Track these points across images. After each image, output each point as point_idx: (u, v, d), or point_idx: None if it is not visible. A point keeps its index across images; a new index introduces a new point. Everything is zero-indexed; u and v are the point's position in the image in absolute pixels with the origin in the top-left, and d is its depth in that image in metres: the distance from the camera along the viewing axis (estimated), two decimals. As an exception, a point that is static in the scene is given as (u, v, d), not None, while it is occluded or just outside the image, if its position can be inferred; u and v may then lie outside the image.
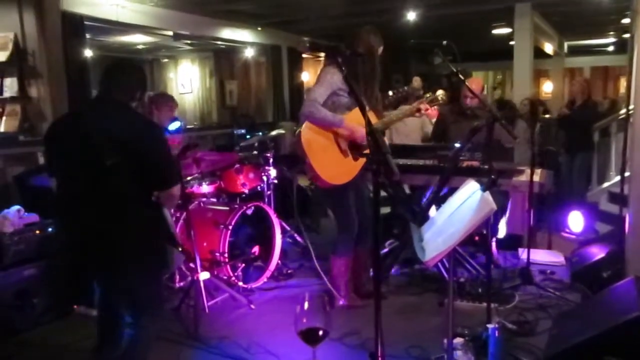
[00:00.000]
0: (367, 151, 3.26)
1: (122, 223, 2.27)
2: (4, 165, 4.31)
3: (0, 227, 3.41)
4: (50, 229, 3.57)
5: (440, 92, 3.59)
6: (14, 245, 3.39)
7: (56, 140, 2.35)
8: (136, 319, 2.37)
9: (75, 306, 3.59)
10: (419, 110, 3.54)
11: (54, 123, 2.46)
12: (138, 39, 8.37)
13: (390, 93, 3.72)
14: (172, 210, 3.34)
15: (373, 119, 3.23)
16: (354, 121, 3.22)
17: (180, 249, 2.62)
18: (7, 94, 5.11)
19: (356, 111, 3.23)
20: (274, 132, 5.14)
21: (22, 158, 4.43)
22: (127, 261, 2.30)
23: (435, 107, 4.20)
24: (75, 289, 3.53)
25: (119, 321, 2.44)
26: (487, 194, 2.12)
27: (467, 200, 2.21)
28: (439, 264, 3.73)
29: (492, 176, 2.27)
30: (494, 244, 4.22)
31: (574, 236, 4.82)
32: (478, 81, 4.35)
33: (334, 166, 3.26)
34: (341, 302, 3.53)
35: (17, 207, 3.59)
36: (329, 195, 3.49)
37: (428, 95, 3.65)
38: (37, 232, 3.53)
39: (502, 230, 4.33)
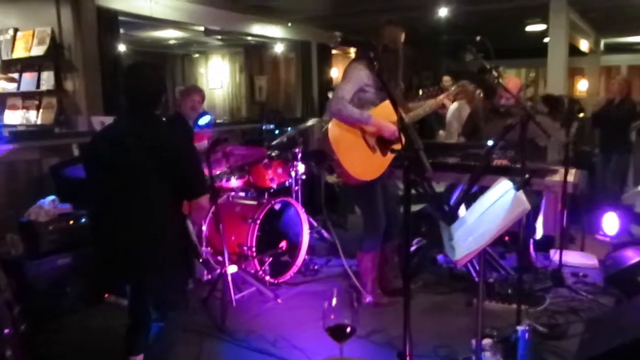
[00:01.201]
0: (396, 147, 3.26)
1: (153, 234, 2.32)
2: (40, 157, 4.42)
3: (36, 216, 3.50)
4: (83, 220, 3.65)
5: (464, 82, 3.54)
6: (48, 235, 3.48)
7: (96, 161, 2.38)
8: (162, 314, 2.43)
9: (106, 295, 3.66)
10: (443, 105, 3.51)
11: (92, 142, 2.48)
12: (170, 34, 8.47)
13: (421, 92, 3.68)
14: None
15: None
16: (381, 116, 3.20)
17: (200, 260, 2.64)
18: (44, 87, 5.24)
19: (382, 106, 3.22)
20: (304, 125, 5.14)
21: (58, 149, 4.54)
22: (155, 272, 2.35)
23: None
24: (106, 279, 3.60)
25: (148, 313, 2.48)
26: (521, 193, 2.08)
27: (500, 200, 2.17)
28: (468, 264, 3.68)
29: (526, 175, 2.22)
30: (531, 245, 4.12)
31: (608, 239, 4.70)
32: (515, 81, 4.24)
33: (362, 163, 3.24)
34: (368, 299, 3.52)
35: (52, 197, 3.68)
36: (357, 192, 3.48)
37: (453, 88, 3.61)
38: (71, 222, 3.61)
39: (538, 231, 4.24)
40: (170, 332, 2.45)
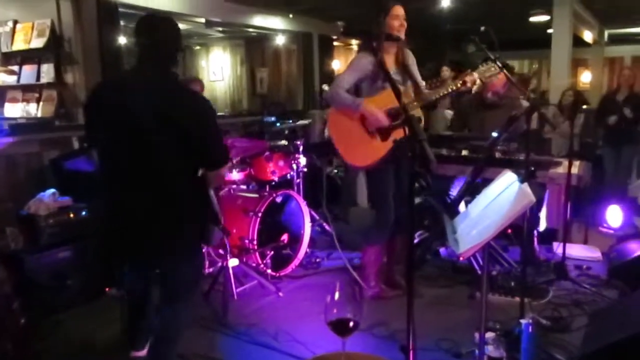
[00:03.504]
0: (394, 137, 3.21)
1: (167, 203, 2.14)
2: (40, 150, 4.39)
3: (35, 210, 3.48)
4: (83, 213, 3.62)
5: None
6: (48, 228, 3.45)
7: (98, 111, 2.18)
8: (171, 304, 2.33)
9: (107, 289, 3.64)
10: (464, 82, 3.26)
11: (95, 92, 2.27)
12: (171, 26, 8.42)
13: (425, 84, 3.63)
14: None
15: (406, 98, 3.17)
16: (386, 102, 3.12)
17: (221, 227, 2.54)
18: (44, 79, 5.20)
19: (388, 93, 3.17)
20: (300, 122, 5.15)
21: (58, 142, 4.51)
22: (167, 244, 2.19)
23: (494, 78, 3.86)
24: (107, 272, 3.59)
25: (149, 306, 2.44)
26: (526, 186, 2.05)
27: (504, 192, 2.14)
28: (471, 257, 3.65)
29: (531, 167, 2.19)
30: (535, 238, 4.09)
31: (612, 231, 4.67)
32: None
33: (356, 148, 3.28)
34: (370, 293, 3.50)
35: (52, 190, 3.65)
36: (368, 179, 3.51)
37: (482, 68, 3.26)
38: (71, 215, 3.59)
39: (542, 224, 4.21)
40: (175, 326, 2.36)
